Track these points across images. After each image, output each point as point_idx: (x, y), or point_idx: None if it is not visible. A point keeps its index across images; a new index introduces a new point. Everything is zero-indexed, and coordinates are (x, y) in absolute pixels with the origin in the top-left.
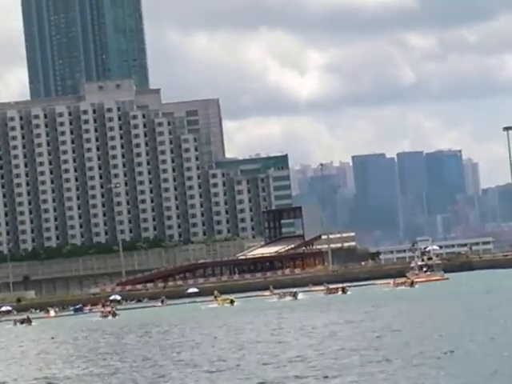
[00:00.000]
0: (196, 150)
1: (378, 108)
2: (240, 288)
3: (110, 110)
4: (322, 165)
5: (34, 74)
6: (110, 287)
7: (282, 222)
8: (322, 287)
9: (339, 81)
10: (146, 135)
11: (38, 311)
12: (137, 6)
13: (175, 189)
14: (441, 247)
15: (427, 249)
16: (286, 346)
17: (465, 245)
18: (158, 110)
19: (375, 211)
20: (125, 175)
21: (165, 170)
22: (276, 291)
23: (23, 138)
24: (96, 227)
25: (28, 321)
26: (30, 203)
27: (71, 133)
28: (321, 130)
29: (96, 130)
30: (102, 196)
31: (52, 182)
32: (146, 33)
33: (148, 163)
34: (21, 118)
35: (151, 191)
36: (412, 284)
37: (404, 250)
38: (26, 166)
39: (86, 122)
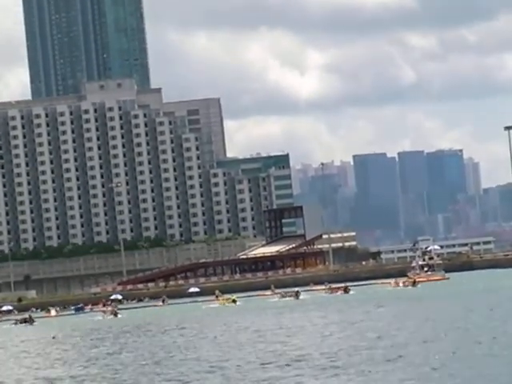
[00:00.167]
0: (197, 149)
1: (378, 108)
2: (241, 287)
3: (111, 109)
4: (322, 164)
5: (35, 74)
6: (111, 287)
7: (283, 221)
8: (323, 286)
9: (339, 80)
10: (147, 134)
11: (38, 311)
12: (138, 5)
13: (176, 188)
14: (442, 247)
15: (428, 248)
16: (286, 346)
17: (466, 244)
18: (159, 110)
19: (376, 211)
20: (126, 174)
21: (166, 170)
22: (277, 291)
23: (24, 137)
24: (97, 226)
25: (30, 320)
26: (31, 202)
27: (72, 132)
28: (321, 129)
29: (97, 130)
30: (103, 195)
31: (53, 182)
32: (147, 32)
33: (149, 162)
34: (22, 118)
35: (152, 190)
36: (414, 283)
37: (405, 250)
38: (27, 165)
39: (87, 121)
